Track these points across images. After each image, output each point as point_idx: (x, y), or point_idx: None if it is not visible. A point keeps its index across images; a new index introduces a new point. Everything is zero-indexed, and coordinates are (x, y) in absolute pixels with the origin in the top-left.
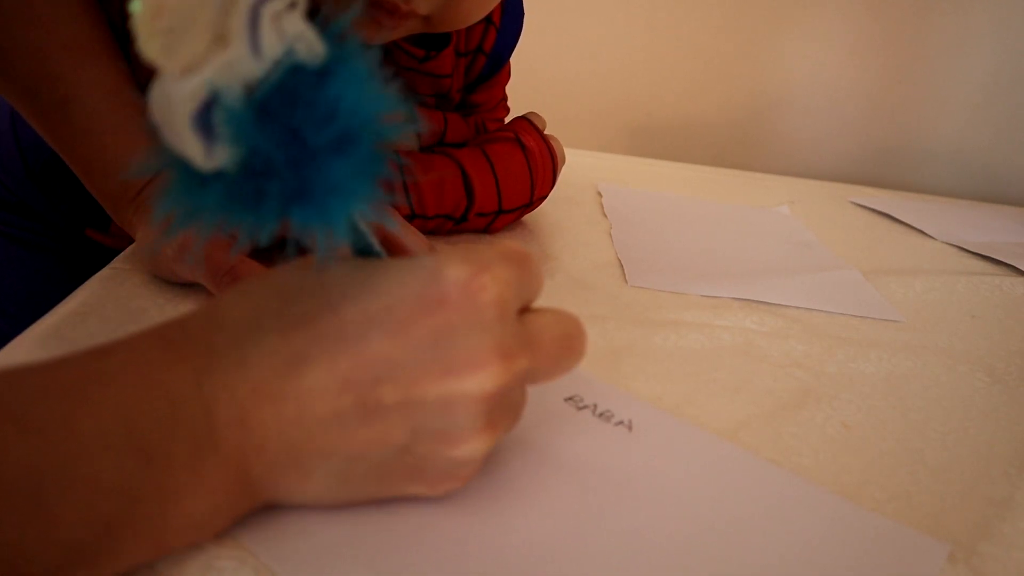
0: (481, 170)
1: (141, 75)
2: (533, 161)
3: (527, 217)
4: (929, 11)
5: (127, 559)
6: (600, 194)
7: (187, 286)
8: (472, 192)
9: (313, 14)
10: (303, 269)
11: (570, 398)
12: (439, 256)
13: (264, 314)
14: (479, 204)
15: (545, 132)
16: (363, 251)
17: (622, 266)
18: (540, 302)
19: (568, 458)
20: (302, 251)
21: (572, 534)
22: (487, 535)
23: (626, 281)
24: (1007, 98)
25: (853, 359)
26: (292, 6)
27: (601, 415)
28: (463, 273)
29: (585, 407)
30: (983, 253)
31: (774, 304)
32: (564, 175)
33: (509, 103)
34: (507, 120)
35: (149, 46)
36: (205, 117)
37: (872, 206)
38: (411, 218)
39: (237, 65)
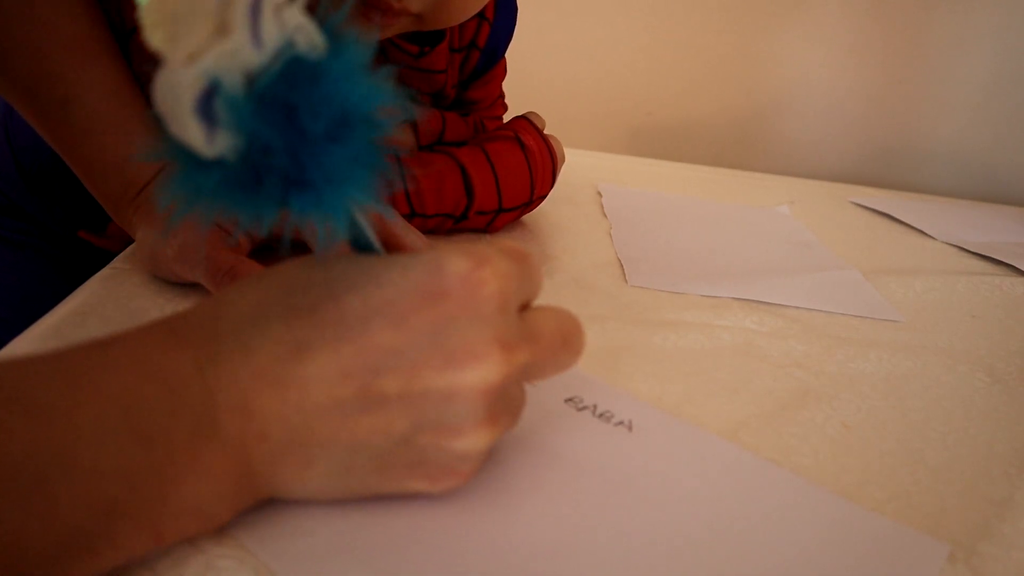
0: (481, 169)
1: (140, 74)
2: (533, 160)
3: (527, 217)
4: (929, 11)
5: (126, 547)
6: (600, 194)
7: (187, 286)
8: (472, 191)
9: (311, 10)
10: (306, 264)
11: (570, 399)
12: (441, 250)
13: (268, 304)
14: (479, 202)
15: (545, 132)
16: (362, 248)
17: (622, 266)
18: (540, 302)
19: (568, 458)
20: (298, 250)
21: (572, 534)
22: (486, 535)
23: (626, 281)
24: (1007, 98)
25: (853, 359)
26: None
27: (601, 415)
28: (464, 266)
29: (585, 408)
30: (983, 253)
31: (774, 304)
32: (564, 175)
33: (509, 104)
34: (506, 119)
35: (154, 35)
36: (207, 104)
37: (872, 206)
38: (411, 217)
39: (238, 54)
